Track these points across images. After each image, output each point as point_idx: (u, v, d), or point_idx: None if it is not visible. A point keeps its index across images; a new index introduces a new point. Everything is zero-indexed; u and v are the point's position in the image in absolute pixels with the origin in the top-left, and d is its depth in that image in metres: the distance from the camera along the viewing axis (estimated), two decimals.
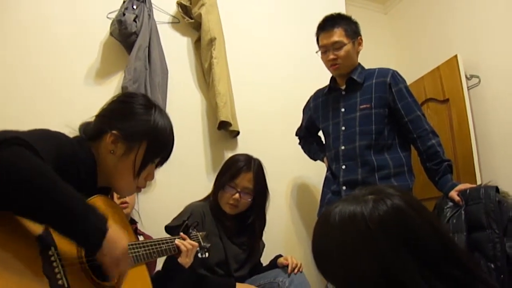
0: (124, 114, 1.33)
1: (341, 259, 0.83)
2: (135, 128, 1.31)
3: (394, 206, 0.82)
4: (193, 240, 1.69)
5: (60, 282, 0.97)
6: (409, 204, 0.83)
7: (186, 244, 1.62)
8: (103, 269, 1.09)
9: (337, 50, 2.21)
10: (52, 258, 0.98)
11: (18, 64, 2.30)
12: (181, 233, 1.67)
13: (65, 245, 1.04)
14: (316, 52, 2.32)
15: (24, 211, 0.92)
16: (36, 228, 0.98)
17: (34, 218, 0.93)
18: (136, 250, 1.33)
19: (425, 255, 0.77)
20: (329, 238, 0.86)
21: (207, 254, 1.76)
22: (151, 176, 1.40)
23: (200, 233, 1.78)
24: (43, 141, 1.06)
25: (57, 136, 1.17)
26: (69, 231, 0.97)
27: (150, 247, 1.41)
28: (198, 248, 1.69)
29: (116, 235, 1.06)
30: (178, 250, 1.59)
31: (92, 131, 1.32)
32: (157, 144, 1.36)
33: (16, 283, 0.88)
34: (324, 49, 2.26)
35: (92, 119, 1.37)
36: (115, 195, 1.91)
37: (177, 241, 1.60)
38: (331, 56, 2.21)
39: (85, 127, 1.36)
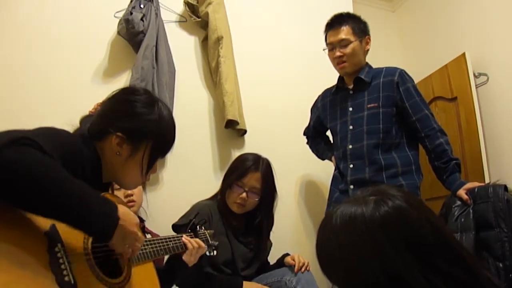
0: (128, 114, 1.33)
1: (343, 261, 0.83)
2: (140, 129, 1.31)
3: (395, 206, 0.81)
4: (201, 238, 1.69)
5: (66, 278, 0.97)
6: (410, 204, 0.82)
7: (192, 242, 1.62)
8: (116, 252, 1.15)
9: (344, 48, 2.21)
10: (59, 255, 0.99)
11: (25, 63, 2.31)
12: (188, 233, 1.67)
13: (71, 241, 1.04)
14: (324, 49, 2.32)
15: (35, 207, 0.93)
16: (43, 224, 0.98)
17: (45, 214, 0.95)
18: (143, 247, 1.33)
19: (427, 256, 0.77)
20: (331, 241, 0.86)
21: (215, 252, 1.76)
22: (154, 169, 1.41)
23: (208, 231, 1.78)
24: (48, 139, 1.06)
25: (62, 134, 1.19)
26: (80, 224, 0.99)
27: (157, 245, 1.42)
28: (206, 247, 1.69)
29: (126, 221, 1.09)
30: (185, 248, 1.60)
31: (96, 131, 1.32)
32: (163, 141, 1.37)
33: (23, 278, 0.88)
34: (331, 47, 2.26)
35: (91, 111, 1.38)
36: (122, 192, 1.93)
37: (184, 239, 1.61)
38: (337, 53, 2.22)
39: (88, 125, 1.36)
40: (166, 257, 1.68)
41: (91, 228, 1.02)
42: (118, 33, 2.49)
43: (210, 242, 1.74)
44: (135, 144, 1.30)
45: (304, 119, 2.71)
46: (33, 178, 0.89)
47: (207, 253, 1.71)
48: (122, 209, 1.08)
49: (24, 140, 0.93)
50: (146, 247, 1.35)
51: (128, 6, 2.45)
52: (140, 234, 1.17)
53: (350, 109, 2.28)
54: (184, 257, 1.60)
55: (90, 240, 1.11)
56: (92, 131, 1.32)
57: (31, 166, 0.90)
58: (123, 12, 2.46)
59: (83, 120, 1.39)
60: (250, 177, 2.11)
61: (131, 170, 1.32)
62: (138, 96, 1.37)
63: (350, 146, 2.24)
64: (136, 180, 1.37)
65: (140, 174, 1.34)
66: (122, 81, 2.52)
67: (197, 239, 1.66)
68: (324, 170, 2.82)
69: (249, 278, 2.08)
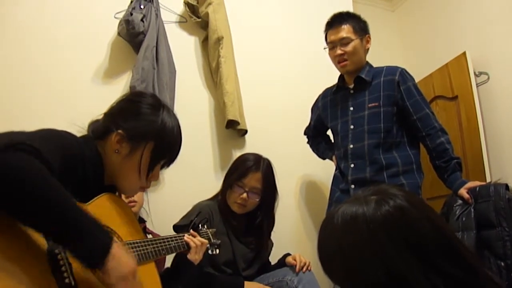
0: (131, 113, 1.33)
1: (344, 260, 0.83)
2: (141, 128, 1.30)
3: (396, 206, 0.81)
4: (203, 237, 1.69)
5: (67, 280, 0.97)
6: (411, 203, 0.82)
7: (195, 240, 1.62)
8: None
9: (344, 46, 2.21)
10: (59, 257, 0.98)
11: (26, 64, 2.30)
12: (191, 230, 1.67)
13: None
14: (324, 48, 2.32)
15: (27, 220, 0.89)
16: None
17: (36, 228, 0.91)
18: (144, 247, 1.33)
19: (428, 255, 0.76)
20: (332, 240, 0.86)
21: (217, 251, 1.76)
22: (155, 176, 1.40)
23: (210, 229, 1.78)
24: (49, 141, 1.06)
25: (63, 136, 1.18)
26: (69, 245, 0.93)
27: (158, 244, 1.41)
28: (208, 245, 1.69)
29: (122, 254, 1.01)
30: (187, 247, 1.60)
31: (99, 130, 1.33)
32: (164, 145, 1.35)
33: (23, 281, 0.88)
34: (332, 45, 2.26)
35: (101, 117, 1.38)
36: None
37: (186, 238, 1.61)
38: (338, 52, 2.22)
39: (93, 126, 1.36)
40: (167, 258, 1.68)
41: (78, 252, 0.94)
42: (119, 34, 2.49)
43: (212, 240, 1.74)
44: (135, 143, 1.29)
45: (304, 119, 2.71)
46: (26, 188, 0.86)
47: (209, 252, 1.71)
48: (119, 244, 1.02)
49: (23, 146, 0.91)
50: (147, 247, 1.35)
51: (128, 7, 2.45)
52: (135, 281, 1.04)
53: (351, 108, 2.28)
54: (190, 256, 1.60)
55: None
56: (96, 130, 1.33)
57: (26, 175, 0.87)
58: (123, 13, 2.46)
59: (91, 125, 1.38)
60: (250, 177, 2.11)
61: (129, 172, 1.31)
62: (144, 98, 1.38)
63: (351, 146, 2.23)
64: (133, 184, 1.35)
65: (138, 177, 1.32)
66: (123, 82, 2.52)
67: (199, 237, 1.66)
68: (324, 170, 2.82)
69: (250, 278, 2.08)
